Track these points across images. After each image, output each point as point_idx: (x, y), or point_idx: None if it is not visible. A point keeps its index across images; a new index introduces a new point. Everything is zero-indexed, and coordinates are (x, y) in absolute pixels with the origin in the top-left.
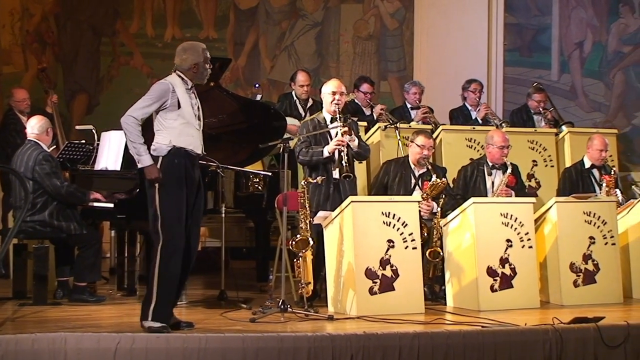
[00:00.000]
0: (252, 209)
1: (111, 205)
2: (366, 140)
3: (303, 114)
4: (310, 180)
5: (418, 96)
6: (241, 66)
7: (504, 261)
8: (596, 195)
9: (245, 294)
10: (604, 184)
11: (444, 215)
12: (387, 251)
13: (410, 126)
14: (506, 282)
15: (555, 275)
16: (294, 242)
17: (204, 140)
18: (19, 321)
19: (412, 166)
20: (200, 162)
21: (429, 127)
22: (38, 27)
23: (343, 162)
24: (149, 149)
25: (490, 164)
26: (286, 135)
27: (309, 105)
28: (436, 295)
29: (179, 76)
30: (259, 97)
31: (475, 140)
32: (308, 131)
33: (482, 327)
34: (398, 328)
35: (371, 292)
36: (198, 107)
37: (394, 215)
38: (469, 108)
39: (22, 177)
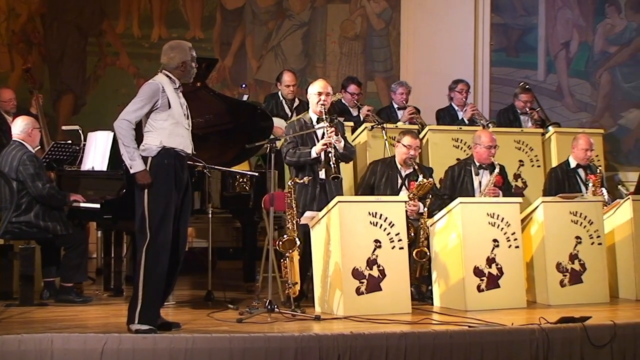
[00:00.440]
0: (239, 209)
1: (97, 205)
2: (353, 141)
3: (289, 114)
4: (297, 180)
5: (405, 96)
6: (228, 66)
7: (490, 261)
8: (582, 195)
9: (232, 294)
10: (590, 184)
11: (430, 215)
12: (374, 251)
13: (396, 126)
14: (493, 282)
15: (542, 275)
16: (280, 243)
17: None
18: (5, 322)
19: (399, 166)
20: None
21: (416, 127)
22: (24, 27)
23: (330, 163)
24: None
25: (478, 164)
26: (272, 137)
27: (295, 105)
28: (423, 295)
29: (167, 75)
30: (245, 97)
31: (461, 140)
32: (295, 131)
33: (469, 327)
34: (385, 328)
35: (358, 292)
36: (186, 107)
37: (381, 215)
38: (456, 108)
39: (7, 177)
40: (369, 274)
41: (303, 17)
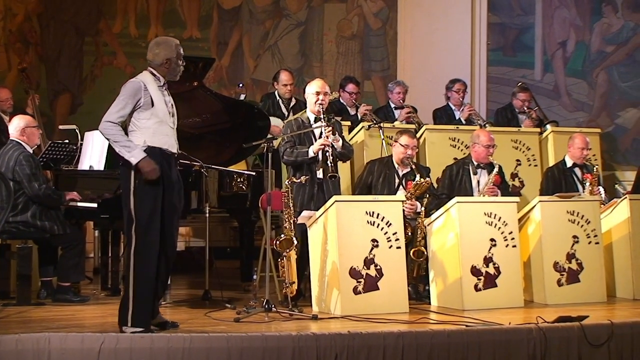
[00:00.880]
0: (236, 208)
1: (94, 205)
2: (350, 140)
3: (286, 113)
4: (294, 179)
5: (402, 96)
6: (225, 66)
7: (487, 260)
8: (580, 195)
9: (230, 293)
10: (587, 183)
11: (427, 214)
12: (371, 251)
13: (394, 126)
14: (490, 281)
15: (539, 275)
16: (278, 242)
17: (188, 140)
18: (2, 321)
19: (396, 166)
20: (183, 161)
21: (413, 126)
22: (21, 26)
23: (328, 162)
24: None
25: (476, 163)
26: (269, 136)
27: (292, 104)
28: (420, 294)
29: (151, 73)
30: (242, 97)
31: (459, 139)
32: (292, 131)
33: (466, 326)
34: (382, 327)
35: (355, 291)
36: (172, 105)
37: (378, 214)
38: (453, 108)
39: (4, 176)
40: (367, 274)
41: (300, 17)
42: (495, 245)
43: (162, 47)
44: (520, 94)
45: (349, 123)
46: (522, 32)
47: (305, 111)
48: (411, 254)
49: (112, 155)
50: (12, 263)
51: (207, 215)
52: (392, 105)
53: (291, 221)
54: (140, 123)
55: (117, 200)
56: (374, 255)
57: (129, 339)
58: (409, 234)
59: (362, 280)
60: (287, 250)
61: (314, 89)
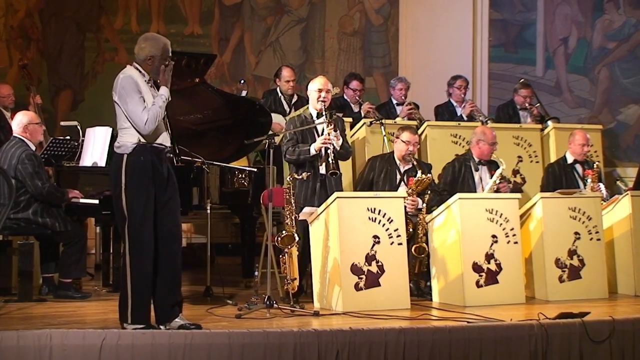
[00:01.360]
0: (238, 205)
1: (96, 201)
2: (351, 137)
3: (288, 109)
4: (296, 176)
5: (404, 92)
6: (226, 62)
7: (489, 257)
8: (581, 191)
9: (231, 290)
10: (589, 179)
11: (429, 211)
12: (372, 247)
13: (395, 122)
14: (492, 277)
15: (541, 271)
16: (279, 238)
17: (189, 137)
18: (4, 317)
19: (398, 162)
20: (185, 158)
21: (414, 123)
22: (22, 22)
23: (330, 159)
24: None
25: (477, 160)
26: (271, 131)
27: (293, 101)
28: (422, 291)
29: (136, 69)
30: (244, 93)
31: (460, 136)
32: (295, 127)
33: (468, 322)
34: (384, 324)
35: (357, 287)
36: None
37: (380, 211)
38: (454, 104)
39: (6, 173)
40: (368, 270)
41: (301, 13)
42: (496, 241)
43: (148, 42)
44: (521, 90)
45: (350, 119)
46: (524, 28)
47: (308, 107)
48: (413, 250)
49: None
50: (13, 259)
51: (209, 211)
52: (394, 102)
53: (293, 217)
54: None
55: None
56: (376, 252)
57: (131, 335)
58: (410, 230)
59: (363, 276)
60: (289, 247)
61: (316, 86)
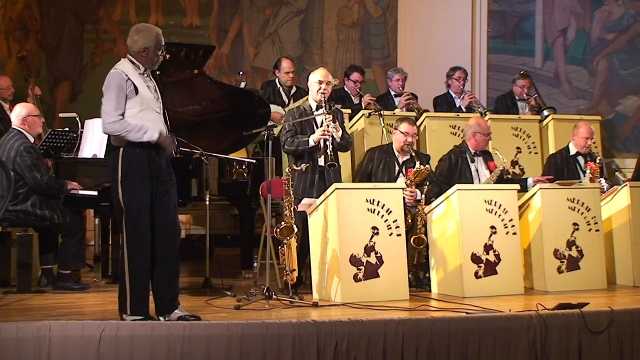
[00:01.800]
0: (237, 196)
1: (95, 193)
2: (350, 128)
3: (287, 101)
4: (295, 167)
5: (401, 83)
6: (225, 54)
7: (488, 248)
8: (580, 182)
9: (230, 281)
10: (588, 171)
11: (428, 202)
12: (371, 238)
13: (394, 113)
14: (490, 268)
15: (539, 262)
16: (278, 230)
17: (188, 128)
18: (3, 309)
19: (396, 153)
20: (184, 149)
21: (413, 114)
22: (21, 14)
23: (328, 150)
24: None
25: (473, 151)
26: (270, 123)
27: (292, 92)
28: (421, 282)
29: (130, 61)
30: (243, 85)
31: (459, 127)
32: (294, 118)
33: (467, 313)
34: (383, 315)
35: (356, 279)
36: (155, 89)
37: (378, 202)
38: (453, 95)
39: (4, 165)
40: (367, 261)
41: (300, 4)
42: (495, 232)
43: (141, 34)
44: (519, 81)
45: (349, 111)
46: (523, 19)
47: (307, 98)
48: (411, 241)
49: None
50: (12, 251)
51: (208, 203)
52: (392, 93)
53: (291, 209)
54: (127, 112)
55: None
56: (375, 243)
57: (130, 326)
58: (409, 221)
59: (362, 267)
60: (288, 238)
61: (317, 78)
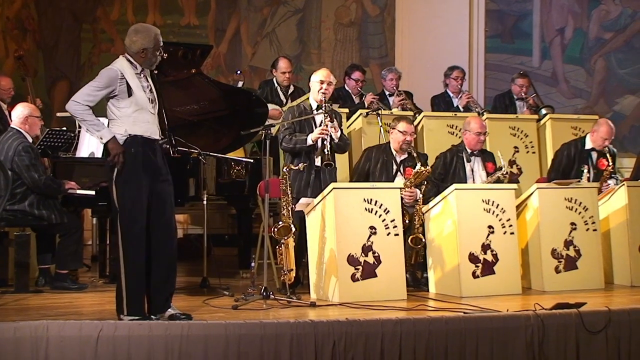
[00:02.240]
0: (234, 196)
1: (92, 192)
2: (348, 127)
3: (284, 100)
4: (292, 166)
5: (395, 82)
6: (222, 53)
7: (485, 247)
8: (578, 181)
9: (228, 281)
10: (586, 170)
11: (425, 201)
12: (369, 238)
13: (391, 112)
14: (488, 268)
15: (537, 261)
16: (276, 229)
17: (186, 128)
18: (0, 309)
19: (394, 152)
20: (181, 149)
21: (410, 113)
22: (18, 13)
23: (325, 150)
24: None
25: (469, 150)
26: (268, 121)
27: (290, 91)
28: (418, 281)
29: (128, 60)
30: (240, 84)
31: (456, 126)
32: (294, 117)
33: (464, 313)
34: (380, 314)
35: (353, 278)
36: (151, 90)
37: (376, 201)
38: (451, 95)
39: (2, 165)
40: (364, 261)
41: (298, 4)
42: (493, 232)
43: (139, 35)
44: (518, 80)
45: (346, 110)
46: (520, 19)
47: (308, 97)
48: (409, 241)
49: None
50: (10, 251)
51: (205, 202)
52: (387, 93)
53: (289, 208)
54: (120, 112)
55: None
56: (372, 243)
57: (127, 326)
58: (407, 221)
59: (360, 267)
60: (285, 238)
61: (318, 78)
